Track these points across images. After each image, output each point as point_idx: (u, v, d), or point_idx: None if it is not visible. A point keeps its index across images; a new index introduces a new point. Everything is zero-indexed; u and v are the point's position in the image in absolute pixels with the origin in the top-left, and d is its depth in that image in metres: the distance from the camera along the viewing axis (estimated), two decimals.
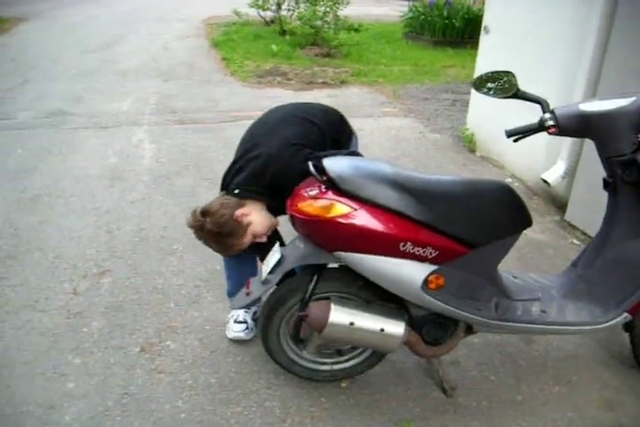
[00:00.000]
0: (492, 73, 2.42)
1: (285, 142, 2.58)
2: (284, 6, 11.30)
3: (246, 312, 3.00)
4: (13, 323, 3.07)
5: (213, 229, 2.53)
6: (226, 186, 2.70)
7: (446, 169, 5.19)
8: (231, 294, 2.96)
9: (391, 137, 6.08)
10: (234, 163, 2.70)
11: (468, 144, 5.75)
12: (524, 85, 2.33)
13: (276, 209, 2.65)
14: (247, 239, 2.60)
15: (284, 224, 2.63)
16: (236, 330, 2.94)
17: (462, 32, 10.87)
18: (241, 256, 2.82)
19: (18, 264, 3.60)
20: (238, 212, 2.54)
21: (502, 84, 2.39)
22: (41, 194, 4.57)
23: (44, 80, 8.14)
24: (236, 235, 2.56)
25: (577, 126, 2.24)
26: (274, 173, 2.52)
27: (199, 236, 2.64)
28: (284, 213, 2.43)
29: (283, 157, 2.52)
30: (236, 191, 2.59)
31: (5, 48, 10.21)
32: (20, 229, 4.02)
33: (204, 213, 2.56)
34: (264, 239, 2.68)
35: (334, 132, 2.85)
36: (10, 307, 3.20)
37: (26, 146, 5.62)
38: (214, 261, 3.53)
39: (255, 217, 2.59)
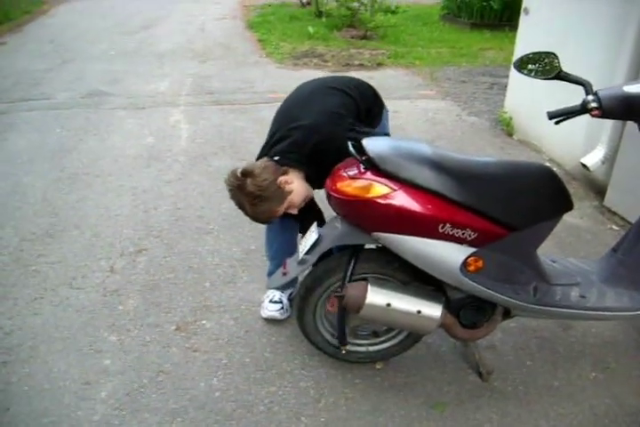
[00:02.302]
0: (534, 54, 2.37)
1: (325, 112, 2.57)
2: None
3: (282, 293, 3.00)
4: (51, 300, 3.11)
5: (255, 192, 2.47)
6: (263, 156, 2.68)
7: (483, 152, 5.12)
8: (271, 273, 2.97)
9: (428, 119, 6.02)
10: (272, 135, 2.68)
11: (506, 127, 5.67)
12: (564, 67, 2.28)
13: (313, 182, 2.63)
14: (283, 207, 2.56)
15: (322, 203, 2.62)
16: (270, 309, 2.94)
17: (500, 14, 10.71)
18: (284, 235, 2.84)
19: (56, 242, 3.65)
20: (282, 178, 2.50)
21: (544, 66, 2.33)
22: (79, 173, 4.62)
23: (83, 61, 8.21)
24: (275, 201, 2.52)
25: (621, 108, 2.18)
26: (316, 142, 2.51)
27: (236, 197, 2.56)
28: (321, 188, 2.43)
29: (325, 127, 2.51)
30: (276, 158, 2.56)
31: (44, 29, 10.31)
32: (59, 208, 4.07)
33: (245, 173, 2.49)
34: (295, 211, 2.65)
35: (367, 105, 2.83)
36: (48, 284, 3.24)
37: (64, 126, 5.68)
38: (250, 242, 3.54)
39: (296, 186, 2.56)
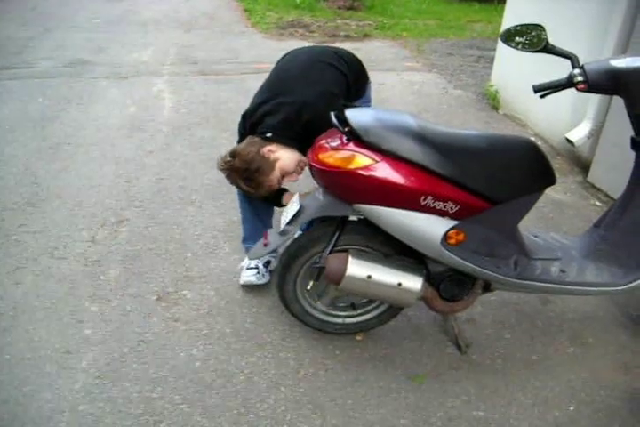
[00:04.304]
0: (521, 26, 2.34)
1: (320, 91, 2.60)
2: None
3: (258, 260, 3.01)
4: (32, 269, 3.09)
5: (242, 167, 2.54)
6: (249, 125, 2.71)
7: (468, 126, 5.10)
8: (245, 240, 3.02)
9: (413, 92, 5.99)
10: (259, 103, 2.68)
11: (492, 101, 5.66)
12: (552, 41, 2.26)
13: (304, 153, 2.62)
14: (276, 176, 2.59)
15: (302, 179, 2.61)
16: (246, 275, 2.96)
17: None
18: (257, 201, 2.86)
19: (37, 212, 3.62)
20: (265, 148, 2.55)
21: (531, 38, 2.31)
22: (61, 143, 4.57)
23: (66, 29, 8.08)
24: (265, 171, 2.56)
25: (607, 83, 2.17)
26: (308, 120, 2.54)
27: (230, 178, 2.65)
28: None
29: (319, 106, 2.52)
30: (269, 135, 2.58)
31: None
32: (40, 178, 4.03)
33: (233, 154, 2.58)
34: (295, 178, 2.67)
35: (355, 79, 2.85)
36: (29, 253, 3.22)
37: (46, 95, 5.60)
38: (232, 213, 3.53)
39: (282, 153, 2.59)
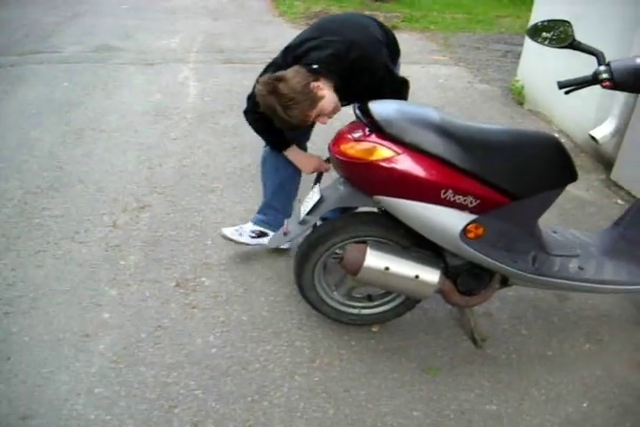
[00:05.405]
0: (548, 22, 2.32)
1: (368, 33, 2.68)
2: None
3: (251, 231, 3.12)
4: (54, 253, 3.13)
5: (289, 94, 2.43)
6: (292, 58, 2.69)
7: (493, 121, 5.07)
8: (260, 212, 3.14)
9: (438, 85, 5.97)
10: (306, 39, 2.71)
11: (517, 96, 5.62)
12: (580, 38, 2.25)
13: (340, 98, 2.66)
14: (314, 113, 2.53)
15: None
16: (228, 229, 3.10)
17: None
18: (277, 174, 3.00)
19: (60, 196, 3.65)
20: (314, 83, 2.50)
21: (558, 34, 2.29)
22: (85, 128, 4.60)
23: (94, 15, 8.13)
24: (308, 104, 2.49)
25: (632, 81, 2.15)
26: (356, 58, 2.55)
27: (267, 101, 2.50)
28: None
29: (367, 46, 2.60)
30: (315, 66, 2.54)
31: None
32: (64, 162, 4.07)
33: (279, 78, 2.48)
34: (325, 120, 2.63)
35: (389, 49, 2.85)
36: (51, 237, 3.25)
37: (72, 80, 5.64)
38: (253, 201, 3.54)
39: (328, 93, 2.55)
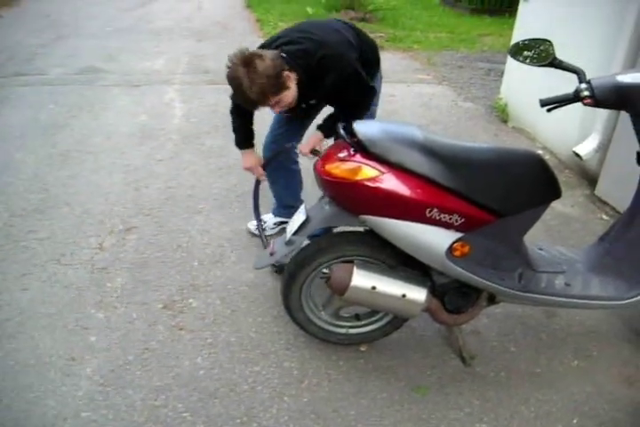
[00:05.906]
0: (530, 40, 2.36)
1: (338, 35, 2.78)
2: None
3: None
4: (39, 276, 3.11)
5: (262, 72, 2.44)
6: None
7: (477, 139, 5.11)
8: (276, 208, 3.51)
9: (423, 104, 6.01)
10: (278, 37, 2.80)
11: (501, 114, 5.67)
12: (560, 56, 2.27)
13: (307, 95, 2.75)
14: (274, 100, 2.56)
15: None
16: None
17: (501, 0, 10.65)
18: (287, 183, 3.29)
19: (46, 218, 3.64)
20: (287, 73, 2.56)
21: (539, 53, 2.32)
22: (71, 150, 4.60)
23: (78, 37, 8.16)
24: (274, 89, 2.51)
25: (613, 98, 2.17)
26: (323, 56, 2.63)
27: (236, 73, 2.46)
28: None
29: (335, 46, 2.69)
30: (283, 55, 2.61)
31: (42, 4, 10.23)
32: (49, 184, 4.06)
33: (258, 54, 2.49)
34: (276, 110, 2.71)
35: (366, 59, 2.89)
36: (36, 260, 3.23)
37: (58, 102, 5.65)
38: (239, 222, 3.55)
39: (293, 86, 2.62)
